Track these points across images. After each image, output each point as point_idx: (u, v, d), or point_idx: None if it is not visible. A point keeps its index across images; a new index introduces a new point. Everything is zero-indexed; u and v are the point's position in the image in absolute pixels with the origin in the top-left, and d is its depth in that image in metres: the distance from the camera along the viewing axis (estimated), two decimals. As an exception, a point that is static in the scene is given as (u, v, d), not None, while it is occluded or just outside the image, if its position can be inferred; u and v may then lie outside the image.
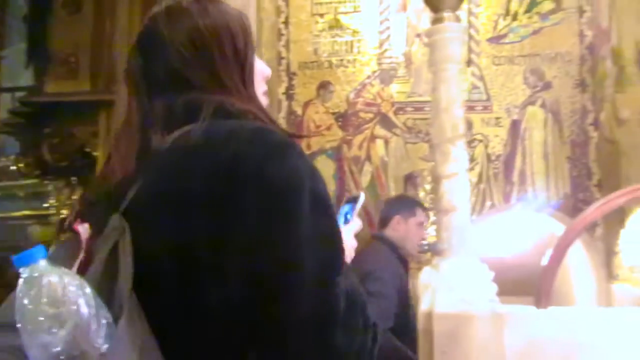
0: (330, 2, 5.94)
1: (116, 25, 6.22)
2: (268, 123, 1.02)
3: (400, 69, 5.74)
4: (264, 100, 1.14)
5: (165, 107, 0.97)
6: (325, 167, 5.63)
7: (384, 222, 4.66)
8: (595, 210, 3.63)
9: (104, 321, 0.74)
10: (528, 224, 5.89)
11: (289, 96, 5.88)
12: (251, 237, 0.83)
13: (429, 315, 3.50)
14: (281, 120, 5.83)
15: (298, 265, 0.84)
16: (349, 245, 1.17)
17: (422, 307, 3.59)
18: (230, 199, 0.82)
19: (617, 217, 4.45)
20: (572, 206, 5.35)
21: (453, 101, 3.72)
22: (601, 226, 5.01)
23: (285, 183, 0.86)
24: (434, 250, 4.18)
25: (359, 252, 1.31)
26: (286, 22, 6.00)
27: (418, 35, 5.69)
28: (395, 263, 4.39)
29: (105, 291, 0.78)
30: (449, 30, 3.79)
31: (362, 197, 1.33)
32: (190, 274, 0.83)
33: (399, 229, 4.56)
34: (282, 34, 5.99)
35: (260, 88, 1.12)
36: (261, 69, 1.15)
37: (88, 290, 0.74)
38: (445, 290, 3.49)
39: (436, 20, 3.92)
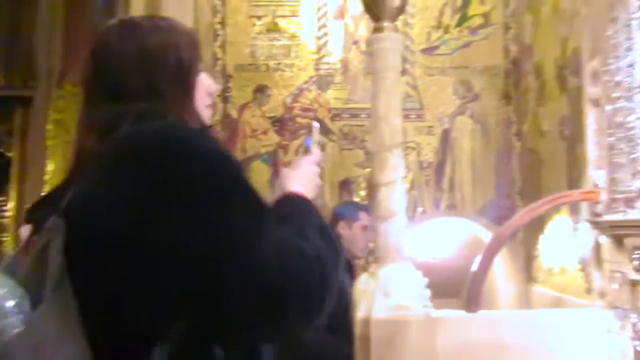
0: (269, 5, 5.89)
1: (35, 18, 5.80)
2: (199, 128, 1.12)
3: (337, 75, 5.80)
4: (205, 113, 1.21)
5: (103, 114, 1.04)
6: (261, 173, 5.56)
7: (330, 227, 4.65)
8: (521, 217, 3.83)
9: (12, 304, 0.83)
10: (454, 230, 6.14)
11: (225, 99, 5.75)
12: (171, 223, 0.88)
13: (366, 322, 3.54)
14: (216, 123, 5.69)
15: (220, 240, 0.89)
16: (310, 176, 1.26)
17: (359, 313, 3.62)
18: (152, 197, 0.89)
19: (536, 223, 4.70)
20: (496, 212, 5.64)
21: (392, 110, 3.79)
22: (522, 231, 5.29)
23: (197, 166, 0.92)
24: (371, 256, 4.24)
25: None
26: (222, 23, 5.87)
27: (355, 43, 5.78)
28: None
29: (35, 281, 0.86)
30: (388, 39, 3.87)
31: (316, 126, 1.46)
32: (118, 264, 0.88)
33: (343, 234, 4.58)
34: (218, 35, 5.85)
35: (203, 101, 1.19)
36: (207, 83, 1.22)
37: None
38: (382, 297, 3.55)
39: (376, 30, 3.98)
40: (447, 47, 5.78)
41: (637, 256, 2.31)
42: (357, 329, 3.56)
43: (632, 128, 3.38)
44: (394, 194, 3.67)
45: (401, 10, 4.00)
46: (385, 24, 3.83)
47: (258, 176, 5.46)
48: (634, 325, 2.34)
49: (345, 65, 5.81)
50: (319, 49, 5.84)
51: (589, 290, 3.96)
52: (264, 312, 0.90)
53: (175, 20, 1.19)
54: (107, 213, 0.88)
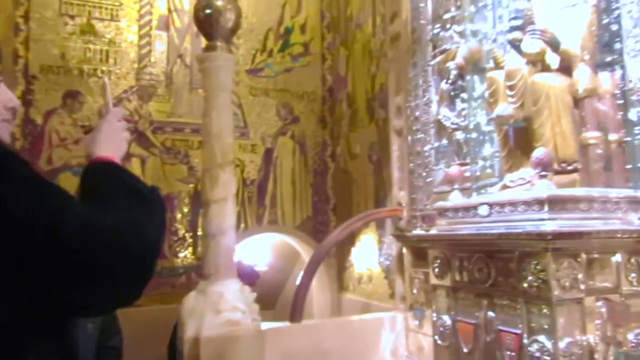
0: (84, 5, 5.42)
1: None
2: None
3: (160, 88, 5.60)
4: (4, 127, 1.18)
5: None
6: (71, 186, 5.04)
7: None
8: (339, 232, 4.22)
9: None
10: (274, 244, 6.41)
11: (27, 102, 5.09)
12: None
13: (196, 341, 3.49)
14: (15, 128, 4.99)
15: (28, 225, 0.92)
16: (114, 135, 1.27)
17: (188, 332, 3.55)
18: None
19: (347, 237, 5.19)
20: (312, 227, 6.07)
21: (224, 128, 3.85)
22: (335, 245, 5.77)
23: None
24: (200, 273, 4.19)
25: None
26: (26, 17, 5.21)
27: (180, 56, 5.68)
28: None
29: None
30: (221, 59, 3.92)
31: (105, 82, 1.46)
32: None
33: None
34: (20, 30, 5.17)
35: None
36: (5, 97, 1.19)
37: None
38: (212, 314, 3.54)
39: (209, 48, 4.01)
40: (271, 70, 6.07)
41: (436, 264, 2.77)
42: (186, 349, 3.48)
43: (428, 156, 4.03)
44: (225, 211, 3.72)
45: (234, 31, 4.10)
46: (219, 43, 3.89)
47: (68, 189, 4.94)
48: (433, 322, 2.79)
49: (169, 78, 5.66)
50: (141, 59, 5.58)
51: (392, 295, 4.54)
52: (83, 286, 0.93)
53: None
54: None
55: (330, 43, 6.29)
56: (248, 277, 4.48)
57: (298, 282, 4.15)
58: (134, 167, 5.35)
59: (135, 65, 5.56)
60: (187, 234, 5.50)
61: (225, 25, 3.92)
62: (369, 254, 5.09)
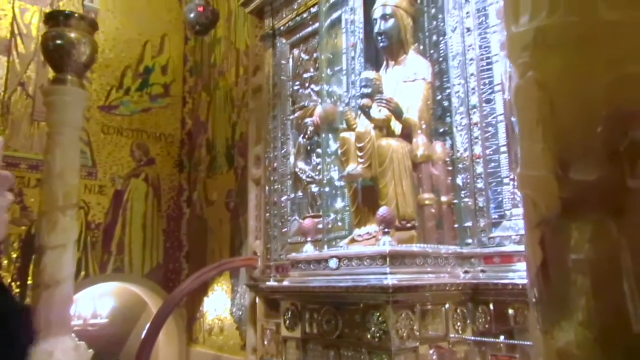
0: None
1: None
2: None
3: (-6, 117, 5.00)
4: None
5: None
6: None
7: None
8: (191, 282, 4.06)
9: None
10: (119, 294, 5.93)
11: None
12: None
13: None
14: None
15: None
16: None
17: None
18: None
19: (200, 286, 5.02)
20: (163, 275, 5.76)
21: (68, 168, 3.54)
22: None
23: None
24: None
25: None
26: None
27: (22, 85, 5.16)
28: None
29: None
30: (71, 94, 3.65)
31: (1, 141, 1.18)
32: None
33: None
34: None
35: None
36: None
37: None
38: (38, 377, 3.12)
39: (58, 81, 3.71)
40: (127, 108, 5.79)
41: (288, 316, 2.81)
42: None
43: (284, 207, 4.13)
44: (63, 259, 3.37)
45: (88, 66, 3.88)
46: (69, 77, 3.64)
47: None
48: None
49: (6, 106, 5.09)
50: (-28, 83, 4.96)
51: (243, 347, 4.45)
52: None
53: None
54: None
55: (192, 87, 6.24)
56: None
57: (144, 335, 3.88)
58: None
59: (-36, 90, 4.92)
60: (14, 284, 4.84)
61: (79, 60, 3.69)
62: (221, 304, 4.96)
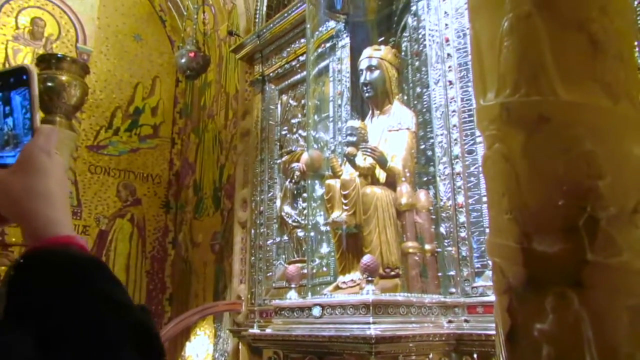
0: None
1: None
2: None
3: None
4: None
5: None
6: None
7: None
8: (173, 327, 3.99)
9: None
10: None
11: None
12: None
13: None
14: None
15: None
16: (62, 174, 0.66)
17: None
18: None
19: (181, 330, 4.92)
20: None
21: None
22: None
23: None
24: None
25: None
26: None
27: (10, 124, 5.17)
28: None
29: None
30: (61, 135, 3.67)
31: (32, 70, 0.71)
32: None
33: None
34: None
35: None
36: None
37: None
38: None
39: (47, 122, 3.73)
40: (115, 148, 5.82)
41: (270, 365, 2.77)
42: None
43: (269, 251, 4.12)
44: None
45: (78, 108, 3.92)
46: (58, 118, 3.67)
47: None
48: None
49: (-7, 145, 5.08)
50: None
51: (225, 395, 4.33)
52: None
53: None
54: None
55: (181, 128, 6.30)
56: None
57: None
58: None
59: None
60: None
61: (69, 102, 3.74)
62: (203, 349, 4.86)
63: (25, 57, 5.33)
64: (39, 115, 0.65)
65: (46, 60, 3.93)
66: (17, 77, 0.64)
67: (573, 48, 0.71)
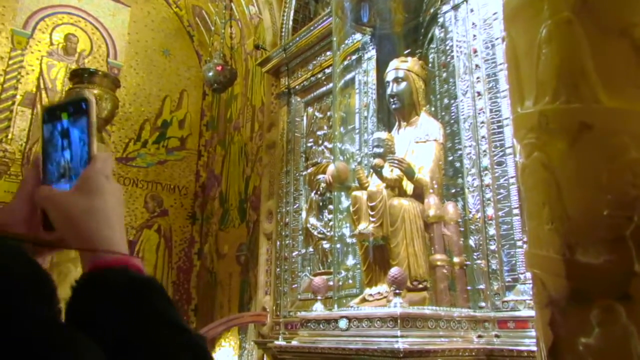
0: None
1: None
2: None
3: (14, 166, 5.13)
4: None
5: None
6: None
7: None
8: (198, 338, 4.00)
9: None
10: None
11: None
12: None
13: None
14: None
15: None
16: (118, 200, 0.69)
17: None
18: None
19: (208, 342, 4.94)
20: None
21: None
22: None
23: None
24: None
25: None
26: None
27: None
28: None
29: None
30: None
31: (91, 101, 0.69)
32: None
33: None
34: None
35: None
36: None
37: None
38: None
39: (78, 135, 3.84)
40: (143, 160, 5.92)
41: (296, 377, 2.74)
42: None
43: (295, 263, 4.12)
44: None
45: (108, 121, 4.02)
46: (90, 131, 3.76)
47: None
48: None
49: (27, 157, 5.23)
50: (-6, 133, 5.13)
51: (249, 408, 4.32)
52: None
53: None
54: None
55: (207, 141, 6.38)
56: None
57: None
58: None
59: (-24, 138, 5.08)
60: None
61: (100, 115, 3.82)
62: (228, 360, 4.86)
63: (58, 72, 5.50)
64: (96, 142, 0.67)
65: (79, 75, 4.04)
66: (76, 106, 0.66)
67: (615, 54, 0.69)
